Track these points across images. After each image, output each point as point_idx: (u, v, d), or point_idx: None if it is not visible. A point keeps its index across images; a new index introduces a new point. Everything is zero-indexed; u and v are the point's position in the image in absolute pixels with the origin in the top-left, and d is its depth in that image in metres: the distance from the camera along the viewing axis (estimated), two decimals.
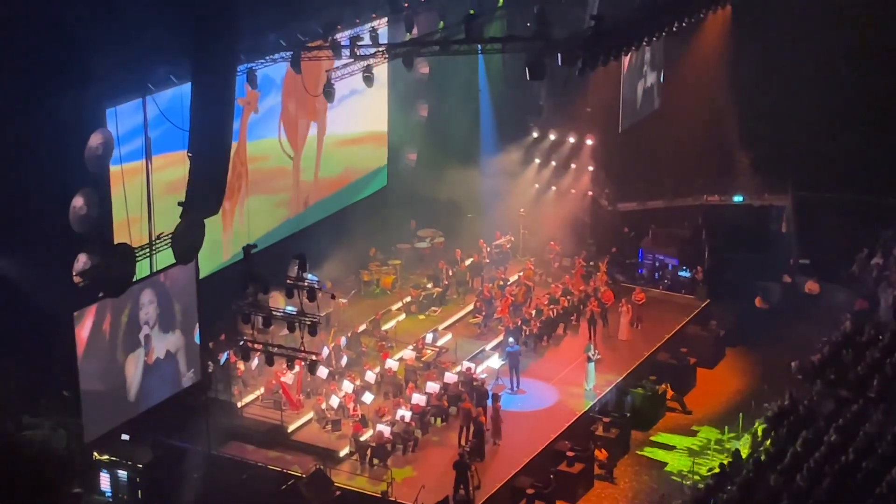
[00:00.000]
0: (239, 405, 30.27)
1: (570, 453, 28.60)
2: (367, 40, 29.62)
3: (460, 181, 39.33)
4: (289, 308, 26.78)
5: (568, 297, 35.33)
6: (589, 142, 39.78)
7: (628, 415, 31.14)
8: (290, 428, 29.69)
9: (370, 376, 30.93)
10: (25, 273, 23.83)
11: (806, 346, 31.80)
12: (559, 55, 24.71)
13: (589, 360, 31.91)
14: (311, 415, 30.05)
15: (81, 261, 22.25)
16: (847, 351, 29.89)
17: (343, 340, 32.43)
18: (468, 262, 37.88)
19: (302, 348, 26.17)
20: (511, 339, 32.23)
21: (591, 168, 40.09)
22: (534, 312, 34.38)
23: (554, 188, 40.68)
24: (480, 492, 27.35)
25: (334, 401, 29.63)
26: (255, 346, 26.66)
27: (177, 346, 27.72)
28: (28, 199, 23.38)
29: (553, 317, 34.48)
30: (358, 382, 30.59)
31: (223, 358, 30.60)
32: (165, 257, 24.21)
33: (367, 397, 30.14)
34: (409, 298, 35.88)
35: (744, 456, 26.95)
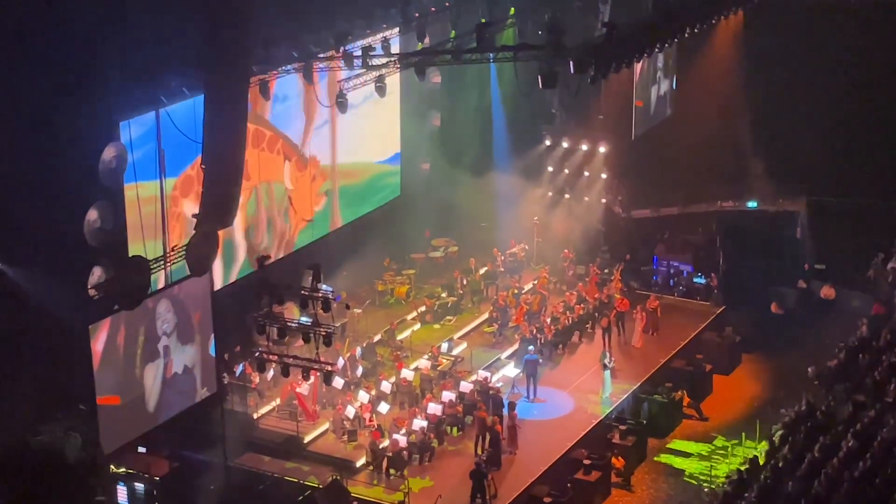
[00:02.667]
0: (255, 416, 30.30)
1: (586, 461, 28.56)
2: (378, 50, 29.67)
3: (474, 190, 39.39)
4: (303, 319, 26.83)
5: (583, 305, 35.28)
6: (602, 149, 39.76)
7: (645, 422, 31.08)
8: (307, 439, 29.70)
9: (386, 386, 30.92)
10: (40, 286, 23.87)
11: (822, 351, 31.69)
12: (571, 63, 24.70)
13: (604, 367, 31.86)
14: (327, 425, 30.06)
15: (96, 274, 22.31)
16: (864, 356, 29.77)
17: (358, 350, 32.44)
18: (482, 270, 37.89)
19: (317, 359, 26.18)
20: (531, 348, 32.17)
21: (604, 175, 40.06)
22: (549, 320, 34.33)
23: (567, 196, 40.66)
24: (497, 501, 27.32)
25: (350, 411, 29.64)
26: (271, 357, 26.69)
27: (194, 359, 27.77)
28: (43, 212, 23.43)
29: (568, 325, 34.43)
30: (373, 392, 30.59)
31: (239, 369, 30.63)
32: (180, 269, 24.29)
33: (383, 407, 30.13)
34: (423, 308, 35.88)
35: (761, 462, 26.86)
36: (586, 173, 40.29)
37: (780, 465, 25.60)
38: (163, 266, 24.16)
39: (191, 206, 26.73)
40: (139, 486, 26.82)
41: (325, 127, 34.40)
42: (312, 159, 34.25)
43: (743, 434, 30.71)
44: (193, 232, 23.15)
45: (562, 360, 33.75)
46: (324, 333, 25.68)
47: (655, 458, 30.53)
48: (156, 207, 26.27)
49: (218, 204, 23.00)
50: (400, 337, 34.14)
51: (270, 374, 30.16)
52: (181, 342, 27.20)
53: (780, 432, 27.71)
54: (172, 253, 24.18)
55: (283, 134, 32.77)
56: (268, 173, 32.50)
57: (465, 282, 37.01)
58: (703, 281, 38.05)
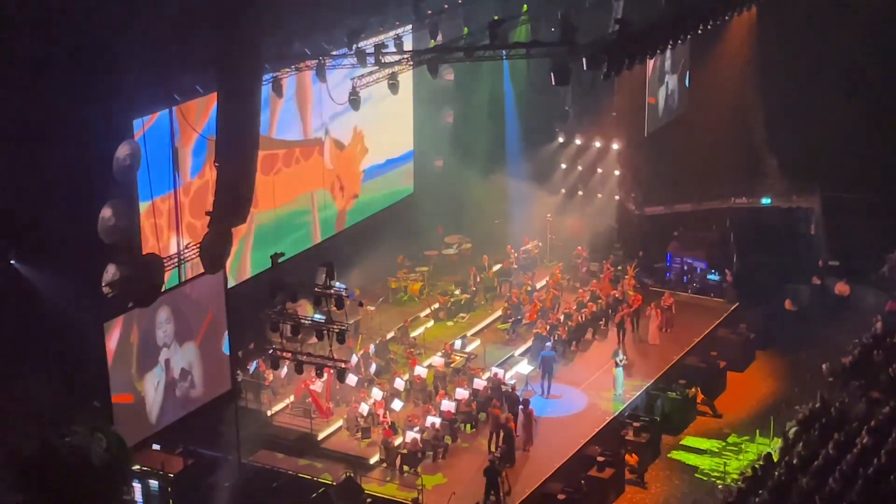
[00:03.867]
0: (269, 413, 30.35)
1: (600, 458, 28.55)
2: (391, 48, 29.67)
3: (487, 187, 39.39)
4: (317, 316, 26.85)
5: (596, 302, 35.25)
6: (615, 146, 39.73)
7: (658, 419, 31.06)
8: (320, 436, 29.74)
9: (399, 383, 30.94)
10: (55, 284, 23.95)
11: (836, 348, 31.62)
12: (584, 60, 24.69)
13: (617, 365, 31.83)
14: (340, 423, 30.10)
15: (110, 271, 22.36)
16: (878, 352, 29.70)
17: (372, 348, 32.47)
18: (496, 267, 37.88)
19: (331, 356, 26.21)
20: (548, 344, 32.16)
21: (617, 172, 40.03)
22: (562, 317, 34.31)
23: (580, 193, 40.65)
24: (511, 498, 27.34)
25: (364, 408, 29.67)
26: (284, 354, 26.74)
27: (201, 360, 27.70)
28: (57, 210, 23.50)
29: (582, 322, 34.40)
30: (387, 390, 30.61)
31: (252, 367, 30.68)
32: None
33: (397, 404, 30.15)
34: (437, 305, 35.88)
35: (775, 459, 26.82)
36: (599, 170, 40.28)
37: (795, 462, 25.56)
38: (177, 263, 24.25)
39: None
40: (153, 483, 26.87)
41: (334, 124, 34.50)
42: (357, 134, 34.98)
43: (757, 431, 30.69)
44: (207, 229, 23.20)
45: (575, 358, 33.73)
46: (337, 331, 25.73)
47: (669, 455, 30.52)
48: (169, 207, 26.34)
49: (231, 201, 23.03)
50: (413, 334, 34.15)
51: (284, 371, 30.21)
52: (182, 345, 27.13)
53: (794, 429, 27.67)
54: (186, 250, 24.26)
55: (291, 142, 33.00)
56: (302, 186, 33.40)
57: (478, 279, 37.01)
58: (716, 278, 38.00)
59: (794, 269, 38.29)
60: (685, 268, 38.83)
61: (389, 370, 31.93)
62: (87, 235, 22.89)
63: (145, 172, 24.85)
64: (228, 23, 21.94)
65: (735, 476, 28.27)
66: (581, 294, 35.91)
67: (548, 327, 33.37)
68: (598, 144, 40.03)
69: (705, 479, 29.28)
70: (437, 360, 32.27)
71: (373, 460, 28.81)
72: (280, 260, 25.83)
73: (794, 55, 39.16)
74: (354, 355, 31.36)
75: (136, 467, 26.93)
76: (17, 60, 22.57)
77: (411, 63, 29.04)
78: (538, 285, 37.22)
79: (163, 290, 23.91)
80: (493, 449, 28.73)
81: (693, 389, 32.15)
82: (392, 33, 30.96)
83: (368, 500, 26.99)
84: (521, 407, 29.54)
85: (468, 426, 30.06)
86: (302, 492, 27.21)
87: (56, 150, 23.22)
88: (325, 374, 28.22)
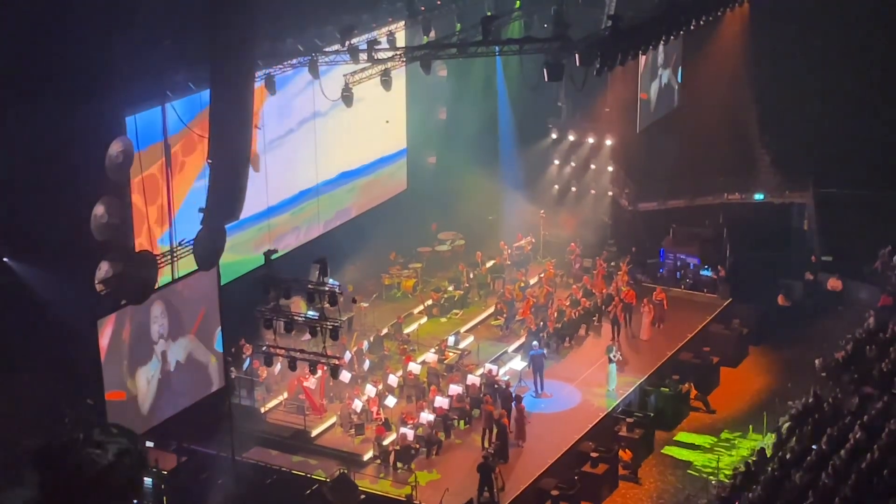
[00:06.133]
0: (262, 410, 30.33)
1: (594, 454, 28.57)
2: (384, 44, 29.66)
3: (480, 183, 39.37)
4: (310, 313, 26.82)
5: (590, 299, 35.26)
6: (608, 142, 39.74)
7: (652, 415, 31.08)
8: (314, 432, 29.74)
9: (393, 380, 30.93)
10: (48, 282, 23.92)
11: (829, 343, 31.63)
12: (577, 55, 24.71)
13: (610, 361, 31.85)
14: (334, 419, 30.09)
15: (103, 269, 22.35)
16: (871, 347, 29.73)
17: (365, 344, 32.47)
18: (489, 264, 37.88)
19: (324, 353, 26.20)
20: (535, 343, 32.18)
21: (610, 168, 40.04)
22: (556, 314, 34.32)
23: (574, 189, 40.65)
24: (505, 494, 27.33)
25: (357, 405, 29.66)
26: (278, 351, 26.72)
27: (195, 356, 27.66)
28: (50, 207, 23.48)
29: (575, 318, 34.42)
30: (381, 386, 30.60)
31: (246, 363, 30.65)
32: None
33: (390, 401, 30.15)
34: (430, 301, 35.88)
35: (769, 454, 26.85)
36: (593, 166, 40.28)
37: (788, 457, 25.60)
38: (170, 261, 24.22)
39: None
40: (147, 479, 26.83)
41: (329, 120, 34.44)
42: None
43: (750, 426, 30.72)
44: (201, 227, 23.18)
45: (568, 354, 33.75)
46: (330, 327, 25.72)
47: (663, 451, 30.53)
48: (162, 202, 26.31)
49: (225, 198, 23.03)
50: (407, 330, 34.16)
51: (278, 367, 30.18)
52: (174, 341, 27.09)
53: (787, 424, 27.71)
54: (179, 247, 24.24)
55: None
56: None
57: (471, 275, 37.02)
58: (709, 273, 38.00)
59: (788, 264, 38.31)
60: (678, 264, 38.82)
61: (383, 367, 31.92)
62: (79, 233, 22.86)
63: None
64: (221, 19, 21.93)
65: (728, 471, 28.30)
66: (574, 290, 35.92)
67: (539, 323, 33.38)
68: (591, 140, 40.05)
69: (702, 475, 29.28)
70: (430, 356, 32.26)
71: (366, 457, 28.82)
72: (273, 256, 25.82)
73: (787, 50, 39.16)
74: (348, 352, 31.34)
75: None
76: (8, 59, 22.54)
77: (404, 59, 29.06)
78: (531, 282, 37.24)
79: (156, 287, 23.87)
80: (486, 445, 28.73)
81: (686, 385, 32.17)
82: (385, 29, 30.98)
83: (362, 496, 26.96)
84: (513, 403, 29.54)
85: (462, 422, 30.06)
86: (295, 488, 27.21)
87: (48, 147, 23.19)
88: (319, 371, 28.20)
